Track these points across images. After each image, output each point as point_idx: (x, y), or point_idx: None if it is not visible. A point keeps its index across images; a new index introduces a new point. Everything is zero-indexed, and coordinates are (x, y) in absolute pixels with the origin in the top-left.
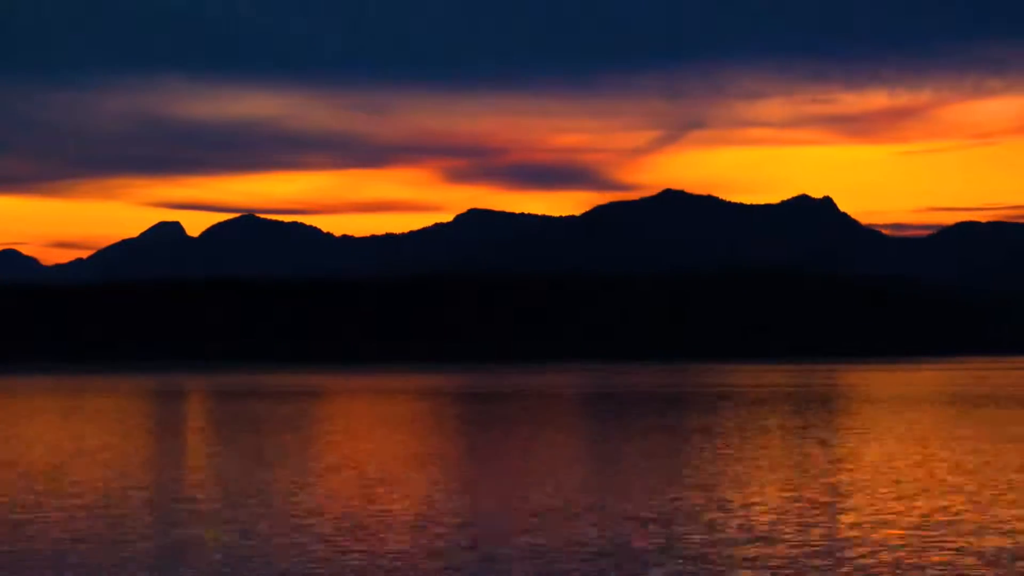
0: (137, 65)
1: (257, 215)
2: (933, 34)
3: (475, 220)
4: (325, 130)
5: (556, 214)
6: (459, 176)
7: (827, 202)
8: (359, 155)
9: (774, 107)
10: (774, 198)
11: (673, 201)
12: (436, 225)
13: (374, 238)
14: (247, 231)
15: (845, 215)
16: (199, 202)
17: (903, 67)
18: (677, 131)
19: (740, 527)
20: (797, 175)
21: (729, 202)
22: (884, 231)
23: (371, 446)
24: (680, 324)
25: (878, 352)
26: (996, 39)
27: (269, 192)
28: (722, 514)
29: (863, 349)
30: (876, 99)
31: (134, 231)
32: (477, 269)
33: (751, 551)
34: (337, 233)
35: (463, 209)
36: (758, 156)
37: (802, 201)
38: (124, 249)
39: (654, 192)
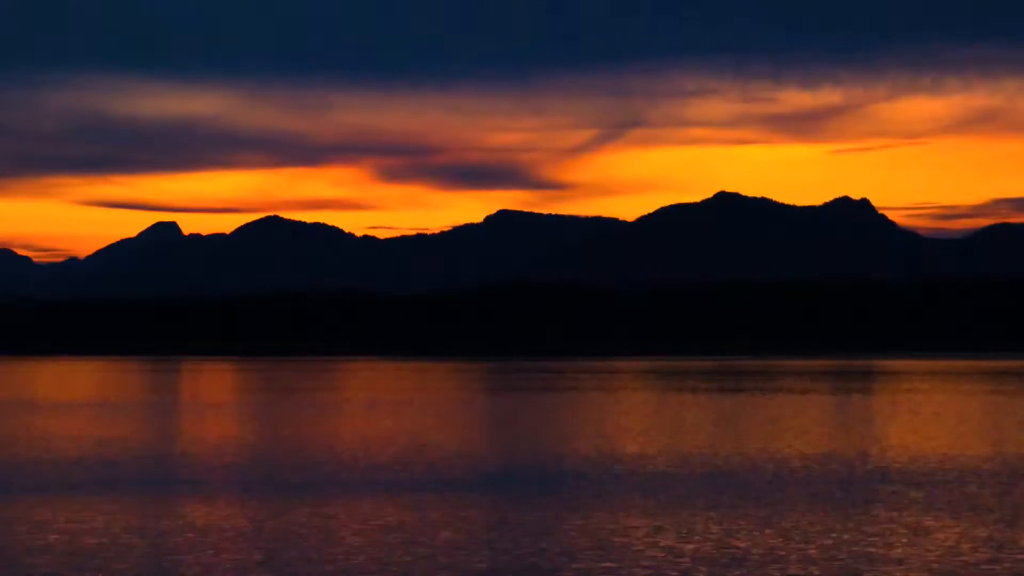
0: (73, 63)
1: (281, 216)
2: (891, 33)
3: (504, 224)
4: (261, 129)
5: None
6: (394, 175)
7: (864, 204)
8: (294, 154)
9: (716, 106)
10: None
11: (728, 204)
12: (467, 226)
13: (405, 239)
14: (271, 231)
15: (883, 216)
16: (134, 201)
17: (852, 66)
18: (616, 130)
19: None
20: (741, 174)
21: (784, 204)
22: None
23: None
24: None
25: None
26: (954, 38)
27: (204, 191)
28: None
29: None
30: (825, 98)
31: (75, 230)
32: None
33: None
34: (358, 233)
35: (399, 209)
36: (699, 155)
37: (843, 203)
38: (124, 249)
39: (590, 190)
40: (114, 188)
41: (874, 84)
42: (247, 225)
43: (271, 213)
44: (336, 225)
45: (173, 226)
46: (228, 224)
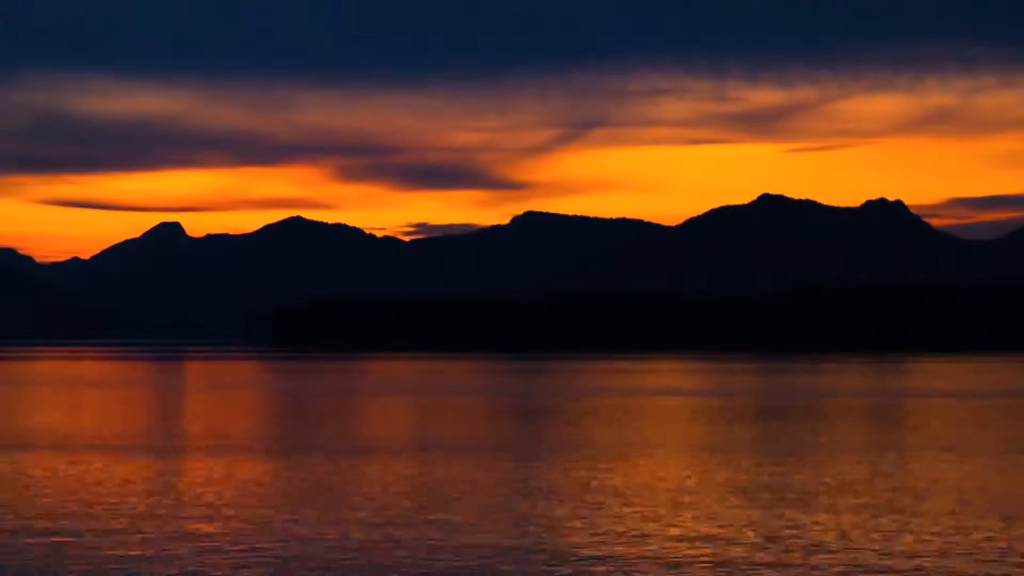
0: (34, 62)
1: (304, 216)
2: (867, 33)
3: (529, 226)
4: (221, 128)
5: (455, 211)
6: (353, 175)
7: (898, 205)
8: (255, 153)
9: (677, 106)
10: (696, 198)
11: (773, 207)
12: (493, 227)
13: (434, 240)
14: (293, 231)
15: (917, 218)
16: (93, 200)
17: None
18: (577, 130)
19: None
20: (701, 173)
21: (829, 206)
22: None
23: None
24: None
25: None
26: (931, 38)
27: (165, 190)
28: None
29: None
30: (786, 96)
31: (32, 229)
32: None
33: None
34: (379, 234)
35: (358, 208)
36: (659, 155)
37: (880, 204)
38: (123, 248)
39: (555, 190)
40: (74, 187)
41: (830, 83)
42: (273, 226)
43: (234, 211)
44: (356, 226)
45: (177, 226)
46: (192, 224)
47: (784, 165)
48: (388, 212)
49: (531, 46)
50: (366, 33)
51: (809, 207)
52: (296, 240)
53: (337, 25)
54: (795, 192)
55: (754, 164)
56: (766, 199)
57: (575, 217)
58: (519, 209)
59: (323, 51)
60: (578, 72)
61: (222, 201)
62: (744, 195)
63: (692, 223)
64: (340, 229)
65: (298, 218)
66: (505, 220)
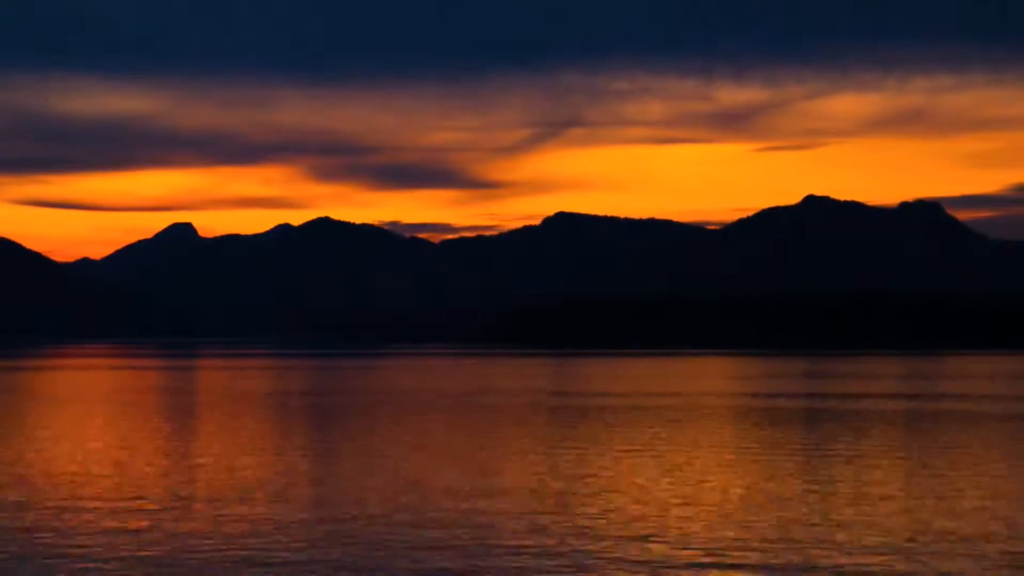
0: (11, 61)
1: (331, 217)
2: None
3: (560, 225)
4: (197, 128)
5: (428, 210)
6: (328, 174)
7: (934, 207)
8: (231, 153)
9: (655, 105)
10: (661, 197)
11: (818, 208)
12: (525, 228)
13: (463, 240)
14: (318, 232)
15: (954, 218)
16: (70, 200)
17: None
18: (554, 129)
19: None
20: (680, 173)
21: (874, 206)
22: None
23: None
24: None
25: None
26: (913, 38)
27: (140, 190)
28: None
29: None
30: (763, 94)
31: (22, 230)
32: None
33: None
34: (406, 235)
35: (333, 207)
36: (637, 154)
37: (916, 205)
38: (137, 248)
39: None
40: (51, 187)
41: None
42: (293, 227)
43: (209, 211)
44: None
45: (188, 227)
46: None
47: (756, 164)
48: (360, 211)
49: (510, 45)
50: (344, 33)
51: (853, 206)
52: (332, 241)
53: (312, 25)
54: (838, 193)
55: (732, 164)
56: (811, 200)
57: (602, 218)
58: (496, 208)
59: (297, 51)
60: (558, 71)
61: (198, 201)
62: (739, 195)
63: (743, 224)
64: (369, 230)
65: (326, 218)
66: (485, 220)
